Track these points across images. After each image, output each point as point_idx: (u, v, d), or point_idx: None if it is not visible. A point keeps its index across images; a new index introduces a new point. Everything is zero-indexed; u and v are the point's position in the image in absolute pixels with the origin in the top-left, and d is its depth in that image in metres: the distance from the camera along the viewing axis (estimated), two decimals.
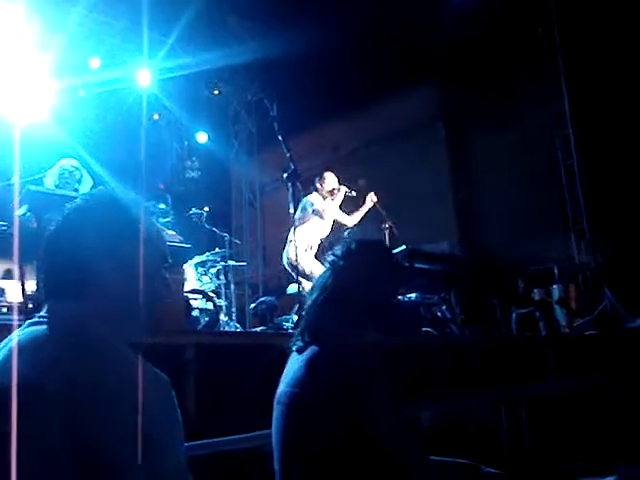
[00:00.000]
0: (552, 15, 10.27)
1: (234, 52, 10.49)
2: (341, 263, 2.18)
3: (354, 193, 6.93)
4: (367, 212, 7.06)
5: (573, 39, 9.91)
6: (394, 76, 10.47)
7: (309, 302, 2.17)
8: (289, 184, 5.26)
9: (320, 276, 2.24)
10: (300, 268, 6.19)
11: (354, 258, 2.19)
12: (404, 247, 6.69)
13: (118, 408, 1.24)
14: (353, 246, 2.24)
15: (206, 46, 10.04)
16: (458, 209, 11.31)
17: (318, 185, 6.88)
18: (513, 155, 10.47)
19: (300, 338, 2.09)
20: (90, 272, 1.41)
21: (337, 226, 7.07)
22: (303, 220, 6.75)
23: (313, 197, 6.82)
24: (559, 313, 8.84)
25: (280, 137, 5.44)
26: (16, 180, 5.13)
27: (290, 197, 5.28)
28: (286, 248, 6.66)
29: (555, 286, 9.21)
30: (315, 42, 9.62)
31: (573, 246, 10.34)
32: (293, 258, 6.40)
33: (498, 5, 9.69)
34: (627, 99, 9.08)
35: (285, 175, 5.28)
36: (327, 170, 7.05)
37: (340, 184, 6.95)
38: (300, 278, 5.64)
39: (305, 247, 6.62)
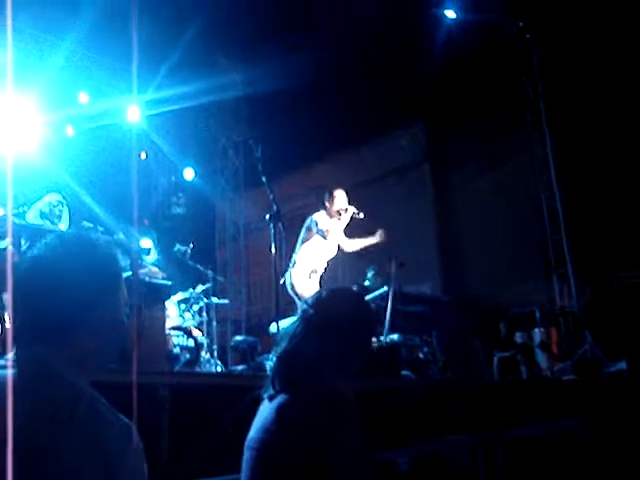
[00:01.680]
0: (534, 62, 10.47)
1: (222, 90, 10.59)
2: (311, 312, 2.19)
3: (362, 215, 6.73)
4: (368, 246, 6.94)
5: (555, 85, 10.09)
6: (380, 118, 10.60)
7: (279, 350, 2.17)
8: (271, 225, 5.28)
9: (290, 324, 2.24)
10: (302, 295, 6.16)
11: (324, 307, 2.19)
12: (385, 289, 6.72)
13: (80, 460, 1.23)
14: (324, 295, 2.25)
15: (194, 83, 10.13)
16: (441, 250, 11.36)
17: (327, 203, 6.69)
18: (497, 197, 10.56)
19: (271, 386, 2.10)
20: (58, 314, 1.41)
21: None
22: (306, 240, 6.63)
23: (318, 216, 6.66)
24: (540, 357, 8.84)
25: (264, 178, 5.48)
26: (9, 213, 5.13)
27: (272, 237, 5.29)
28: (289, 271, 6.52)
29: (537, 330, 9.22)
30: (301, 84, 9.75)
31: (555, 289, 10.38)
32: (295, 284, 6.36)
33: (484, 50, 9.87)
34: (609, 144, 9.22)
35: (268, 216, 5.31)
36: (338, 188, 6.87)
37: (349, 204, 6.74)
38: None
39: (309, 271, 6.52)
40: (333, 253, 6.82)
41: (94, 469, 1.23)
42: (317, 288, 6.42)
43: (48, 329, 1.40)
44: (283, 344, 2.17)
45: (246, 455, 2.03)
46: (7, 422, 1.19)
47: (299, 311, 2.27)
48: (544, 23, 10.03)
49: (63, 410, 1.26)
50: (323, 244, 6.66)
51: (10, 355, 1.42)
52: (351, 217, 6.72)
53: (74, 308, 1.42)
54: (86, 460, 1.23)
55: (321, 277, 6.71)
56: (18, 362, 1.38)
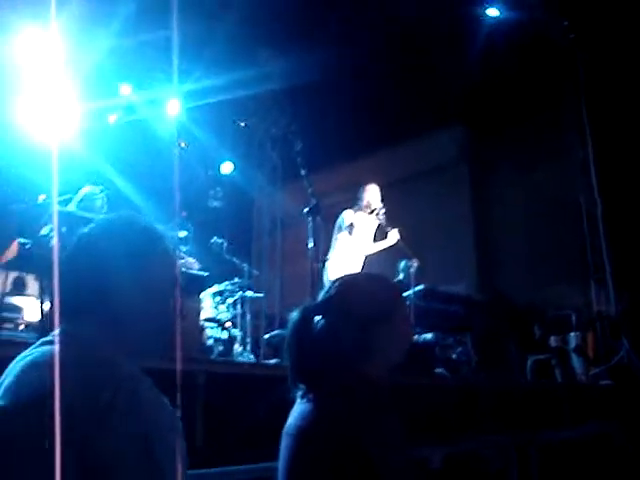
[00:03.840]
0: (577, 63, 10.32)
1: (261, 83, 10.61)
2: (329, 305, 2.10)
3: (382, 215, 6.79)
4: (387, 247, 7.00)
5: (598, 87, 9.94)
6: (421, 116, 10.56)
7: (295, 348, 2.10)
8: (309, 219, 5.28)
9: (321, 317, 2.16)
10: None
11: (339, 297, 2.11)
12: (421, 287, 6.69)
13: (125, 434, 1.24)
14: (335, 285, 2.15)
15: (234, 75, 10.15)
16: (478, 250, 11.29)
17: (359, 197, 6.81)
18: (536, 199, 10.47)
19: (297, 387, 2.05)
20: (106, 294, 1.42)
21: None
22: (339, 237, 6.72)
23: (346, 213, 6.76)
24: (575, 361, 8.73)
25: (303, 171, 5.49)
26: (54, 200, 5.20)
27: (310, 232, 5.29)
28: (325, 268, 6.61)
29: (572, 334, 9.11)
30: (344, 80, 9.74)
31: (592, 294, 10.24)
32: (330, 278, 6.39)
33: (526, 51, 9.75)
34: None
35: (306, 209, 5.31)
36: (372, 183, 6.94)
37: (383, 201, 6.81)
38: None
39: (343, 267, 6.55)
40: (369, 247, 6.83)
41: (136, 450, 1.24)
42: None
43: (94, 308, 1.42)
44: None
45: (284, 441, 2.02)
46: (55, 397, 1.21)
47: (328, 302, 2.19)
48: (589, 23, 9.87)
49: (108, 388, 1.27)
50: (354, 241, 6.70)
51: (56, 331, 1.43)
52: (377, 213, 6.78)
53: (121, 287, 1.43)
54: (128, 441, 1.24)
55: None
56: (63, 339, 1.39)
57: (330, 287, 2.17)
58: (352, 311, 2.08)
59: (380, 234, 6.97)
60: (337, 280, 2.23)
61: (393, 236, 6.86)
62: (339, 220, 6.76)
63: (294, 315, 2.11)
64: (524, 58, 9.75)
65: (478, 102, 10.75)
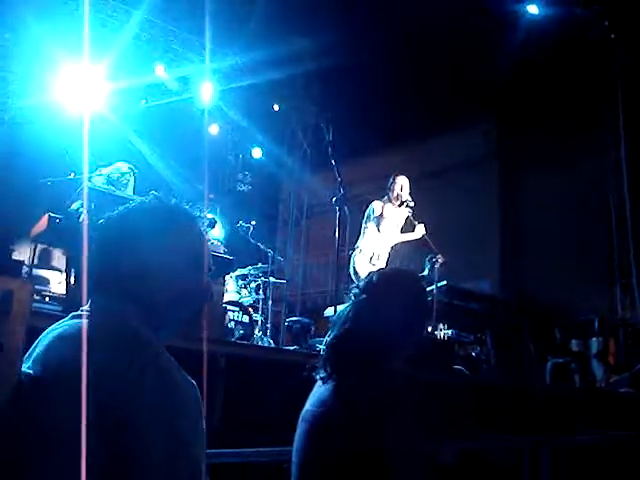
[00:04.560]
0: (616, 64, 10.19)
1: (295, 69, 10.61)
2: (363, 296, 2.14)
3: (412, 203, 6.78)
4: (413, 241, 7.01)
5: (635, 90, 9.82)
6: (452, 111, 10.50)
7: (330, 335, 2.14)
8: (337, 208, 5.29)
9: (342, 309, 2.20)
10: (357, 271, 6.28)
11: (375, 291, 2.13)
12: (444, 282, 6.67)
13: (152, 408, 1.27)
14: (375, 278, 2.18)
15: (267, 60, 10.17)
16: (503, 249, 11.22)
17: (389, 187, 6.83)
18: (565, 200, 10.37)
19: (323, 369, 2.08)
20: (135, 271, 1.45)
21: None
22: (367, 227, 6.75)
23: (375, 203, 6.79)
24: (596, 367, 8.67)
25: (333, 161, 5.49)
26: (85, 177, 5.27)
27: (336, 220, 5.30)
28: (352, 257, 6.64)
29: (594, 339, 9.05)
30: (377, 72, 9.70)
31: (617, 299, 10.14)
32: (358, 270, 6.45)
33: (564, 48, 9.65)
34: None
35: (334, 199, 5.32)
36: (402, 175, 6.94)
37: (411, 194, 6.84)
38: None
39: (370, 256, 6.61)
40: (395, 239, 6.85)
41: (161, 420, 1.27)
42: None
43: (124, 284, 1.45)
44: (335, 328, 2.14)
45: (300, 427, 2.04)
46: (83, 368, 1.24)
47: (351, 295, 2.22)
48: (630, 24, 9.73)
49: (136, 361, 1.30)
50: (382, 231, 6.73)
51: (85, 306, 1.46)
52: (406, 205, 6.77)
53: (150, 265, 1.46)
54: (155, 410, 1.27)
55: (386, 263, 6.75)
56: (93, 313, 1.42)
57: (373, 277, 2.19)
58: (395, 305, 2.12)
59: (407, 227, 6.98)
60: (380, 271, 2.27)
61: (419, 230, 6.85)
62: (368, 210, 6.78)
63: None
64: (561, 56, 9.64)
65: (512, 99, 10.67)
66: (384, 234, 6.75)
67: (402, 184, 6.81)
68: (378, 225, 6.69)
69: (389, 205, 6.76)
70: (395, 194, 6.76)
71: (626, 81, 10.12)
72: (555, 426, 5.07)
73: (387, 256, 6.81)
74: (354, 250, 6.64)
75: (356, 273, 6.49)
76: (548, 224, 10.56)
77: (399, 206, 6.77)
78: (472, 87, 10.15)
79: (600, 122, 10.50)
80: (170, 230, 1.52)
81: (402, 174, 6.94)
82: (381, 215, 6.67)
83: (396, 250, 6.93)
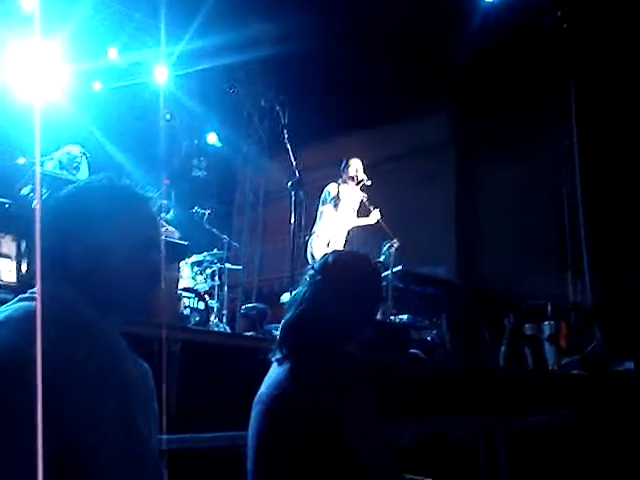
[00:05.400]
0: (568, 53, 10.35)
1: (249, 52, 10.52)
2: (318, 277, 2.15)
3: (369, 182, 6.82)
4: (368, 226, 7.04)
5: (587, 78, 9.98)
6: (409, 97, 10.54)
7: (286, 316, 2.14)
8: (292, 192, 5.26)
9: (298, 290, 2.20)
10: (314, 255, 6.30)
11: (330, 272, 2.14)
12: (400, 267, 6.71)
13: (101, 382, 1.25)
14: (330, 259, 2.19)
15: (223, 44, 10.06)
16: (459, 235, 11.34)
17: (342, 170, 6.85)
18: (519, 187, 10.51)
19: (279, 350, 2.08)
20: (83, 254, 1.41)
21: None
22: (323, 211, 6.76)
23: (330, 186, 6.81)
24: (548, 350, 8.81)
25: (288, 145, 5.46)
26: (37, 161, 5.15)
27: (292, 206, 5.28)
28: (309, 241, 6.69)
29: (547, 322, 9.19)
30: (333, 54, 9.67)
31: (569, 284, 10.34)
32: (315, 254, 6.46)
33: (517, 37, 9.75)
34: (637, 142, 9.13)
35: (290, 183, 5.29)
36: (354, 157, 6.99)
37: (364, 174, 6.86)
38: None
39: (327, 241, 6.62)
40: (351, 222, 6.88)
41: (112, 398, 1.25)
42: None
43: (72, 267, 1.41)
44: (291, 309, 2.14)
45: (255, 410, 2.04)
46: (36, 348, 1.20)
47: (306, 276, 2.22)
48: (582, 14, 9.88)
49: (84, 342, 1.27)
50: (339, 214, 6.75)
51: (33, 289, 1.42)
52: (361, 185, 6.82)
53: (99, 247, 1.42)
54: (105, 388, 1.25)
55: (343, 247, 6.75)
56: (40, 296, 1.38)
57: (328, 258, 2.19)
58: (351, 286, 2.13)
59: (362, 212, 7.00)
60: (334, 252, 2.27)
61: (375, 215, 6.89)
62: (324, 194, 6.80)
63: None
64: (516, 44, 9.75)
65: (468, 86, 10.76)
66: (341, 216, 6.77)
67: (356, 167, 6.85)
68: (335, 206, 6.70)
69: (344, 186, 6.78)
70: (350, 175, 6.78)
71: (578, 70, 10.28)
72: (509, 408, 5.15)
73: (344, 241, 6.83)
74: (311, 235, 6.65)
75: (313, 258, 6.51)
76: (503, 211, 10.70)
77: (356, 185, 6.79)
78: (430, 74, 10.20)
79: (554, 110, 10.65)
80: (121, 210, 1.48)
81: (356, 157, 6.98)
82: (337, 196, 6.69)
83: (352, 235, 6.95)
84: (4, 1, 8.33)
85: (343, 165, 6.89)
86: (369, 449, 1.92)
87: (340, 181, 6.83)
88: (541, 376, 6.51)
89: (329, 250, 6.41)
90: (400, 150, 11.82)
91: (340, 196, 6.71)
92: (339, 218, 6.77)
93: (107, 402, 1.24)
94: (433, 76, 10.24)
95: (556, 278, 10.43)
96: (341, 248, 6.66)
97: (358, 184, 6.81)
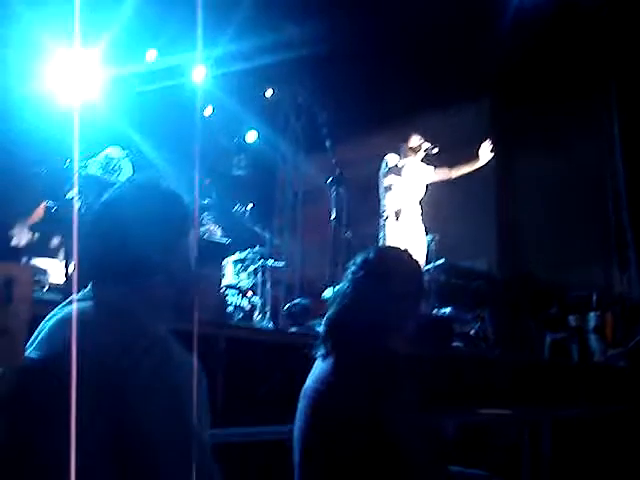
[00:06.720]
0: (612, 47, 10.15)
1: (288, 52, 10.54)
2: (360, 273, 2.16)
3: (436, 150, 6.82)
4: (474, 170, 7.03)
5: (630, 67, 9.80)
6: (447, 90, 10.46)
7: (329, 312, 2.16)
8: (333, 189, 5.28)
9: (340, 286, 2.22)
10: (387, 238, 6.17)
11: (372, 268, 2.16)
12: (442, 261, 6.69)
13: (158, 379, 1.29)
14: (372, 255, 2.21)
15: (260, 43, 10.10)
16: (500, 227, 11.22)
17: (402, 146, 6.73)
18: (561, 177, 10.36)
19: (322, 346, 2.10)
20: (130, 257, 1.46)
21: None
22: (383, 185, 6.61)
23: (387, 156, 6.65)
24: (593, 341, 8.70)
25: (327, 142, 5.48)
26: (75, 165, 5.26)
27: (333, 202, 5.30)
28: (384, 225, 6.56)
29: (592, 314, 9.06)
30: (368, 50, 9.65)
31: (615, 276, 10.19)
32: (389, 237, 6.35)
33: (557, 27, 9.60)
34: None
35: (330, 180, 5.31)
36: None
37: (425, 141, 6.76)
38: None
39: (393, 214, 6.49)
40: (419, 192, 6.77)
41: (167, 395, 1.29)
42: (409, 228, 6.38)
43: (124, 270, 1.46)
44: (334, 305, 2.16)
45: (302, 403, 2.07)
46: (87, 349, 1.25)
47: (348, 272, 2.23)
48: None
49: (138, 345, 1.32)
50: (400, 182, 6.58)
51: (85, 290, 1.47)
52: (426, 153, 6.75)
53: (147, 249, 1.47)
54: (160, 385, 1.29)
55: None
56: (94, 298, 1.43)
57: (369, 254, 2.21)
58: (393, 281, 2.15)
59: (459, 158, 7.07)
60: (376, 248, 2.29)
61: (484, 153, 6.96)
62: (382, 164, 6.66)
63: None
64: (555, 34, 9.59)
65: (507, 75, 10.63)
66: (410, 186, 6.61)
67: (416, 138, 6.79)
68: (399, 174, 6.52)
69: (404, 160, 6.63)
70: (411, 145, 6.70)
71: (620, 58, 10.08)
72: (554, 401, 5.12)
73: (415, 210, 6.69)
74: (382, 220, 6.52)
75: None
76: (545, 201, 10.56)
77: (414, 155, 6.68)
78: (469, 64, 10.09)
79: (595, 101, 10.48)
80: (161, 216, 1.52)
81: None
82: (399, 165, 6.51)
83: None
84: (46, 7, 8.47)
85: (403, 141, 6.74)
86: (414, 443, 1.94)
87: (400, 153, 6.67)
88: (586, 368, 6.45)
89: (400, 224, 6.34)
90: (438, 142, 11.74)
91: (399, 164, 6.54)
92: (407, 188, 6.62)
93: (162, 392, 1.29)
94: (473, 66, 10.13)
95: (602, 269, 10.27)
96: (413, 221, 6.56)
97: (415, 153, 6.66)
